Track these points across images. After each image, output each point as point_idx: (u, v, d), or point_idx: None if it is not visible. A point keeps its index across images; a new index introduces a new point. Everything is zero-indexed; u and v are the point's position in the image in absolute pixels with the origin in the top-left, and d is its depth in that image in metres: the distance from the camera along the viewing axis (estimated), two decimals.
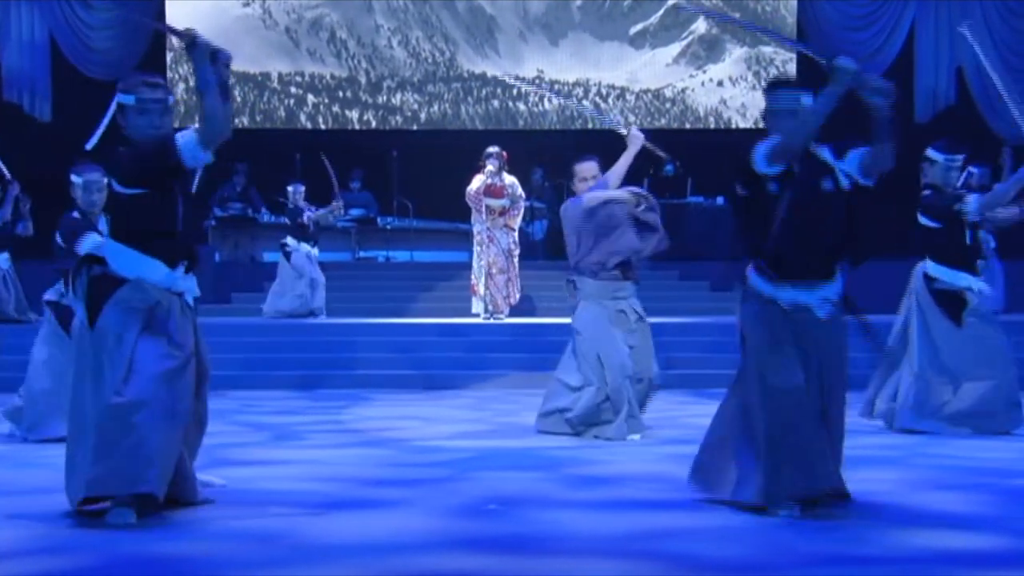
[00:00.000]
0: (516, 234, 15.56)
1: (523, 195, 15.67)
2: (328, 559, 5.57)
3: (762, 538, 5.96)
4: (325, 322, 15.58)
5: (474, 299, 15.62)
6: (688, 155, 20.79)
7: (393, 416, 10.85)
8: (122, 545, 5.87)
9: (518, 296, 15.43)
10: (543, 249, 20.24)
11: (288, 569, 5.44)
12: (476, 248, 15.52)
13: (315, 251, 16.74)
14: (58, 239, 9.10)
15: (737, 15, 20.81)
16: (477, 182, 15.52)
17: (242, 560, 5.59)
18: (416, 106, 22.80)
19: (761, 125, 6.84)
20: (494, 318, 15.27)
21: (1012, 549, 5.78)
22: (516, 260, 15.51)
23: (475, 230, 15.56)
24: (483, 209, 15.45)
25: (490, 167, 15.42)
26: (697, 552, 5.68)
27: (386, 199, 20.93)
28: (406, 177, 21.15)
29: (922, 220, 9.65)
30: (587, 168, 9.61)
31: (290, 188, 17.05)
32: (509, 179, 15.52)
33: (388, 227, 20.45)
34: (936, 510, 6.59)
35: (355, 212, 20.99)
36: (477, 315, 15.48)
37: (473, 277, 15.59)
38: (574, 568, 5.47)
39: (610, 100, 22.37)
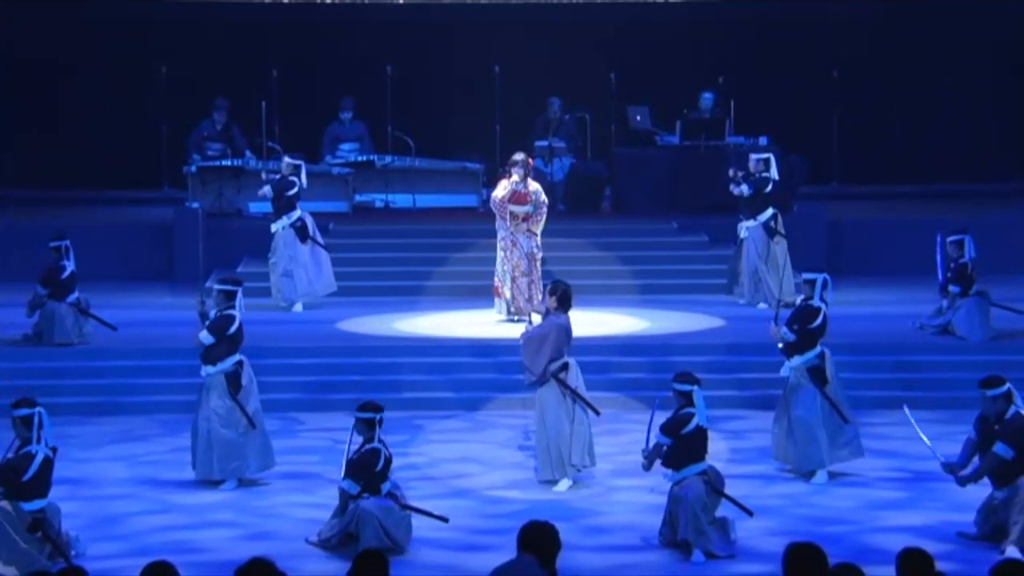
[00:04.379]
0: (538, 238, 16.47)
1: (546, 200, 16.56)
2: None
3: None
4: (362, 342, 15.85)
5: (496, 300, 16.64)
6: None
7: (450, 459, 12.92)
8: None
9: (540, 298, 16.32)
10: (563, 193, 20.06)
11: None
12: (500, 252, 16.45)
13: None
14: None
15: None
16: (503, 189, 16.42)
17: None
18: None
19: None
20: (516, 320, 16.25)
21: None
22: (539, 264, 16.46)
23: (499, 235, 16.47)
24: (507, 215, 16.37)
25: (515, 176, 16.30)
26: None
27: (381, 134, 20.61)
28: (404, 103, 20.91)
29: None
30: None
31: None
32: (533, 186, 16.45)
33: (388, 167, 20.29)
34: None
35: (347, 147, 20.48)
36: (499, 314, 16.54)
37: (497, 279, 16.54)
38: None
39: None
